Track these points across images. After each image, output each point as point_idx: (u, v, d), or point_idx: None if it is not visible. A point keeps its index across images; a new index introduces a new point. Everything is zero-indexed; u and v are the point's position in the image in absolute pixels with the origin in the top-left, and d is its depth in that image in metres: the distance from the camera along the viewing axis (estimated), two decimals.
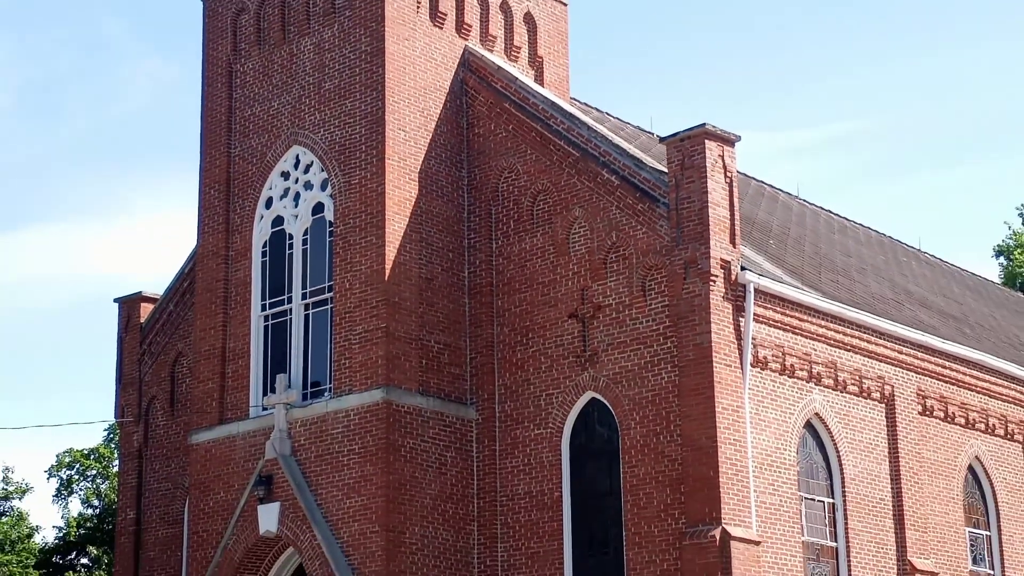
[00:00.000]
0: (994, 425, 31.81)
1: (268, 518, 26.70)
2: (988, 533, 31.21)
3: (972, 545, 30.63)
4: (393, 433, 25.95)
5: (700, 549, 23.42)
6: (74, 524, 61.45)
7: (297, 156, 28.96)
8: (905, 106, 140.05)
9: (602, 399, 26.00)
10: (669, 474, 24.56)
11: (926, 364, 29.75)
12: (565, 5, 31.68)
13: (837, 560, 26.72)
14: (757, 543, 23.93)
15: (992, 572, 31.06)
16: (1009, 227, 75.22)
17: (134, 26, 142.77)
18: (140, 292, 34.71)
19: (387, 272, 26.52)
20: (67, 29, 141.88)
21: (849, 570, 26.72)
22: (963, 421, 30.76)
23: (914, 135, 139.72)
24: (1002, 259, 70.19)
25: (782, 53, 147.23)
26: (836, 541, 26.73)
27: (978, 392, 31.37)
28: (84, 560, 57.90)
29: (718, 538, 23.22)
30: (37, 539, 59.61)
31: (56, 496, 64.19)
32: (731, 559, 23.22)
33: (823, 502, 26.81)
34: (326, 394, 27.41)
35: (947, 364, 30.42)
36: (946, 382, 30.36)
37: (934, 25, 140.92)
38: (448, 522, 26.72)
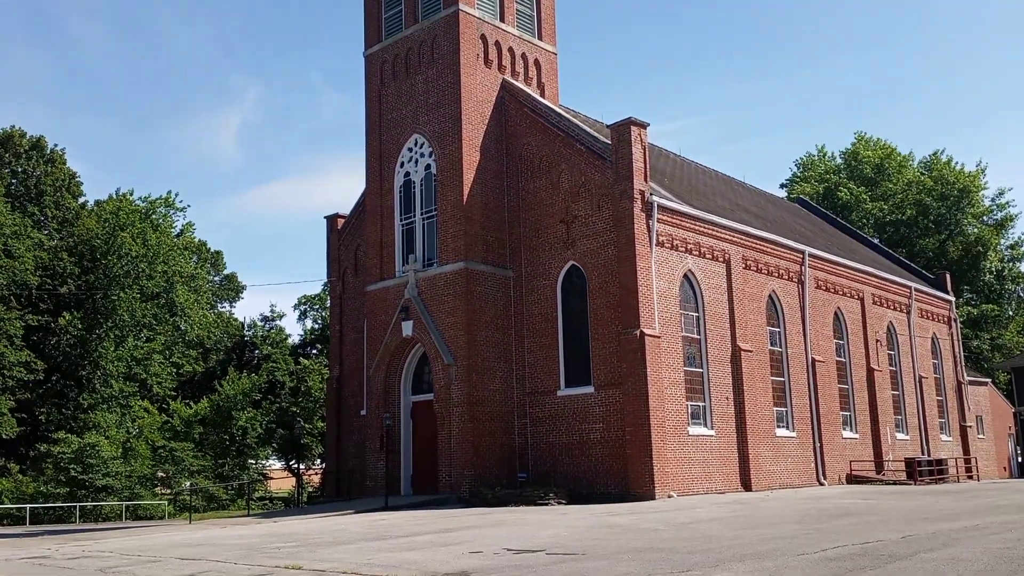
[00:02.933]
0: (781, 273, 31.81)
1: (407, 328, 27.93)
2: (778, 329, 31.32)
3: (770, 335, 30.88)
4: (469, 284, 27.02)
5: (629, 340, 24.95)
6: (308, 333, 63.97)
7: (416, 139, 29.31)
8: (733, 108, 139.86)
9: (578, 264, 26.99)
10: (613, 302, 25.75)
11: (746, 241, 30.01)
12: (555, 54, 31.22)
13: (701, 346, 27.53)
14: (658, 337, 25.29)
15: (780, 348, 31.01)
16: (791, 171, 77.15)
17: (325, 74, 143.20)
18: (336, 212, 35.15)
19: (464, 200, 27.39)
20: (282, 78, 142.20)
21: (706, 351, 27.51)
22: (766, 271, 30.92)
23: (740, 120, 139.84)
24: (784, 190, 71.61)
25: (676, 75, 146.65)
26: (700, 334, 27.53)
27: (772, 256, 31.37)
28: (313, 351, 60.12)
29: (638, 335, 24.78)
30: (289, 341, 62.19)
31: (298, 318, 66.25)
32: (645, 345, 24.72)
33: (693, 315, 27.54)
34: (435, 264, 28.12)
35: (757, 241, 30.59)
36: (756, 251, 30.47)
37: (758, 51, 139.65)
38: (498, 329, 27.62)
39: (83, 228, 50.45)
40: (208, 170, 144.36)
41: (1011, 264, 72.76)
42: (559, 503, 23.94)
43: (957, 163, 71.15)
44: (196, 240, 62.18)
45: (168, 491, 42.64)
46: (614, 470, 25.09)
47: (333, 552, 13.40)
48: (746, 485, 27.50)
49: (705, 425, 27.00)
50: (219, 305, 66.68)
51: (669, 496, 24.28)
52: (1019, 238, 73.49)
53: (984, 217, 71.59)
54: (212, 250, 65.43)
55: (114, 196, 54.69)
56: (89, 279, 49.25)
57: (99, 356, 47.82)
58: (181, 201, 59.55)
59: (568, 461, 26.21)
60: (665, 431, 24.88)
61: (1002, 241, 72.17)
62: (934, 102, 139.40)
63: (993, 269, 68.59)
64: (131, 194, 54.80)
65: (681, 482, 25.17)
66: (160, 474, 42.72)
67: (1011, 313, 77.36)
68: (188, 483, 40.80)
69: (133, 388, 50.04)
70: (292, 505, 43.09)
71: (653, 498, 23.75)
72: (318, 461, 52.39)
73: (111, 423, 45.71)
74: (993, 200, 72.35)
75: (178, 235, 58.56)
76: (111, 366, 48.35)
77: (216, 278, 66.57)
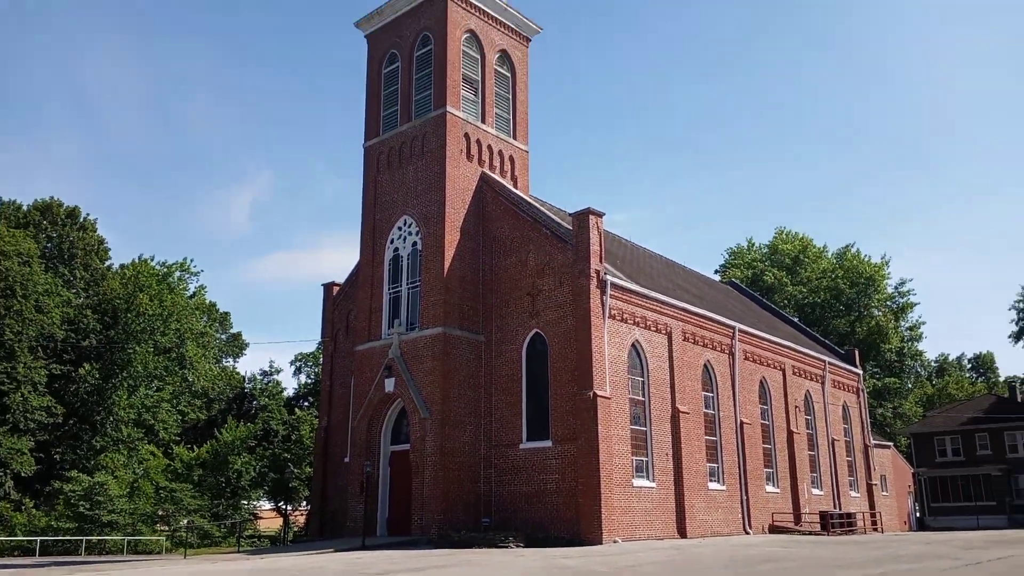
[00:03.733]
0: (715, 345, 31.62)
1: (389, 384, 27.44)
2: (712, 394, 31.01)
3: (705, 399, 30.59)
4: (446, 346, 26.61)
5: (584, 400, 24.61)
6: (302, 387, 62.75)
7: (405, 219, 29.14)
8: (676, 203, 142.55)
9: (541, 332, 26.73)
10: (570, 366, 25.44)
11: (685, 316, 29.83)
12: (527, 152, 31.33)
13: (645, 407, 27.21)
14: (609, 398, 25.00)
15: (713, 411, 30.80)
16: (723, 257, 78.30)
17: (327, 162, 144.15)
18: (332, 281, 34.57)
19: (445, 273, 27.18)
20: (284, 170, 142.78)
21: (650, 411, 27.18)
22: (701, 343, 30.72)
23: (682, 212, 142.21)
24: (717, 274, 72.55)
25: (630, 173, 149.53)
26: (645, 397, 27.23)
27: (708, 330, 31.24)
28: (306, 403, 59.15)
29: (591, 395, 24.47)
30: (285, 394, 61.00)
31: (294, 373, 65.38)
32: (597, 405, 24.40)
33: (639, 380, 27.25)
34: (417, 328, 27.68)
35: (695, 317, 30.43)
36: (694, 325, 30.31)
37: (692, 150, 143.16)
38: (470, 387, 27.15)
39: (107, 288, 49.69)
40: (222, 240, 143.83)
41: (910, 343, 73.82)
42: (517, 546, 23.30)
43: (865, 255, 72.75)
44: (207, 301, 61.43)
45: (167, 528, 41.12)
46: (567, 517, 24.53)
47: None
48: (682, 532, 27.01)
49: (647, 478, 26.59)
50: (224, 360, 65.55)
51: (615, 541, 23.74)
52: (917, 321, 74.78)
53: (888, 303, 72.82)
54: (221, 311, 64.61)
55: (136, 260, 54.05)
56: (110, 334, 48.30)
57: (113, 403, 46.70)
58: (196, 266, 59.18)
59: (527, 508, 25.62)
60: (613, 482, 24.46)
61: (903, 324, 73.36)
62: (847, 203, 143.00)
63: (894, 348, 69.50)
64: (151, 259, 54.25)
65: (626, 528, 24.66)
66: (160, 512, 41.28)
67: (910, 386, 78.12)
68: (185, 521, 39.41)
69: (141, 433, 48.74)
70: (279, 543, 41.73)
71: (601, 543, 23.20)
72: (304, 503, 51.01)
73: (119, 464, 44.37)
74: (896, 288, 73.81)
75: (191, 296, 57.84)
76: (123, 412, 47.17)
77: (223, 336, 65.56)
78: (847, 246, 74.68)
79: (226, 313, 65.48)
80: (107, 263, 54.85)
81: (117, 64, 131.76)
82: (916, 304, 74.76)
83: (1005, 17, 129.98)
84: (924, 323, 75.87)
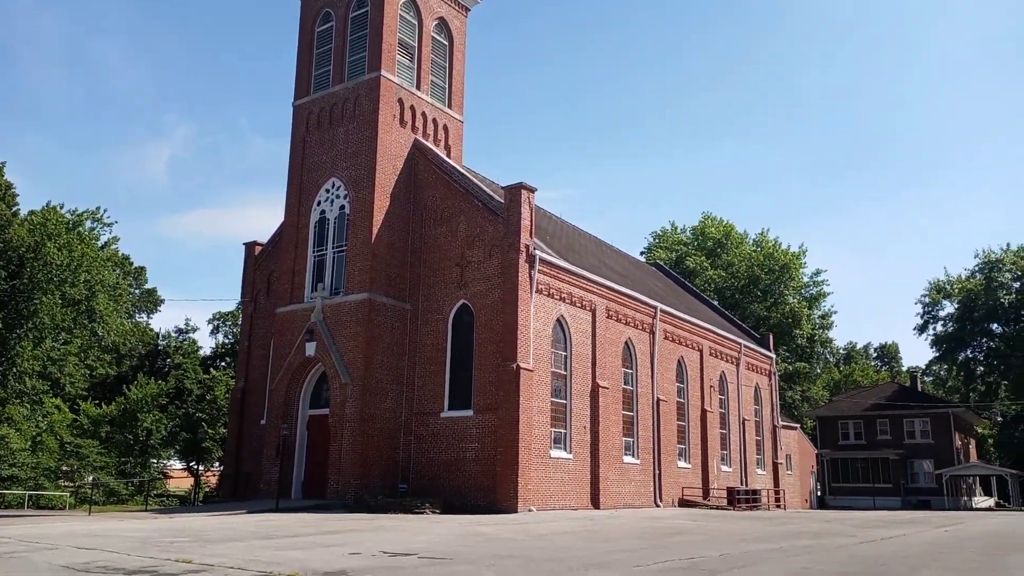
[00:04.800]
0: (637, 324, 32.20)
1: (310, 348, 27.05)
2: (631, 371, 31.67)
3: (624, 375, 31.15)
4: (371, 312, 26.40)
5: (507, 371, 24.86)
6: (219, 347, 61.18)
7: (334, 181, 28.65)
8: (607, 184, 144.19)
9: (468, 303, 26.80)
10: (495, 338, 25.62)
11: (610, 294, 30.26)
12: (462, 122, 31.13)
13: (566, 381, 27.55)
14: (531, 371, 25.30)
15: (631, 387, 31.46)
16: (648, 240, 79.71)
17: (253, 120, 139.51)
18: (255, 240, 33.75)
19: (372, 239, 26.89)
20: (206, 125, 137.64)
21: (571, 385, 27.56)
22: (624, 321, 31.22)
23: (612, 193, 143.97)
24: (643, 256, 73.82)
25: (564, 152, 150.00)
26: (567, 371, 27.59)
27: (631, 308, 31.72)
28: (222, 364, 57.70)
29: (515, 367, 24.73)
30: (201, 353, 59.12)
31: (211, 332, 64.13)
32: (520, 377, 24.68)
33: (562, 354, 27.57)
34: (341, 293, 27.41)
35: (619, 296, 30.85)
36: (618, 304, 30.75)
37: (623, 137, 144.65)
38: (393, 355, 27.03)
39: (13, 235, 47.25)
40: (138, 194, 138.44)
41: (821, 331, 76.86)
42: (434, 512, 23.51)
43: (784, 244, 75.12)
44: (120, 254, 59.16)
45: (71, 484, 39.83)
46: (484, 485, 24.84)
47: (223, 548, 12.73)
48: (595, 503, 27.65)
49: (565, 449, 27.07)
50: (137, 316, 63.41)
51: (529, 510, 24.18)
52: (828, 310, 77.86)
53: (802, 291, 75.53)
54: (135, 265, 62.34)
55: (45, 208, 51.54)
56: (14, 283, 46.06)
57: (16, 355, 44.66)
58: (109, 217, 56.73)
59: (445, 476, 25.83)
60: (531, 453, 24.83)
61: (816, 312, 76.27)
62: (769, 193, 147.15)
63: (806, 335, 72.25)
64: (61, 207, 51.82)
65: (541, 498, 25.13)
66: (65, 468, 39.93)
67: (819, 371, 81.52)
68: (90, 478, 38.25)
69: (46, 386, 46.87)
70: (189, 503, 40.93)
71: (516, 511, 23.60)
72: (217, 464, 50.11)
73: (22, 417, 42.57)
74: (811, 278, 76.55)
75: (102, 247, 55.58)
76: (27, 364, 45.20)
77: (137, 291, 63.34)
78: (763, 232, 77.05)
79: (141, 267, 63.25)
80: (14, 209, 52.12)
81: (27, 4, 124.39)
82: (829, 294, 77.76)
83: (925, 16, 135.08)
84: (835, 312, 79.53)
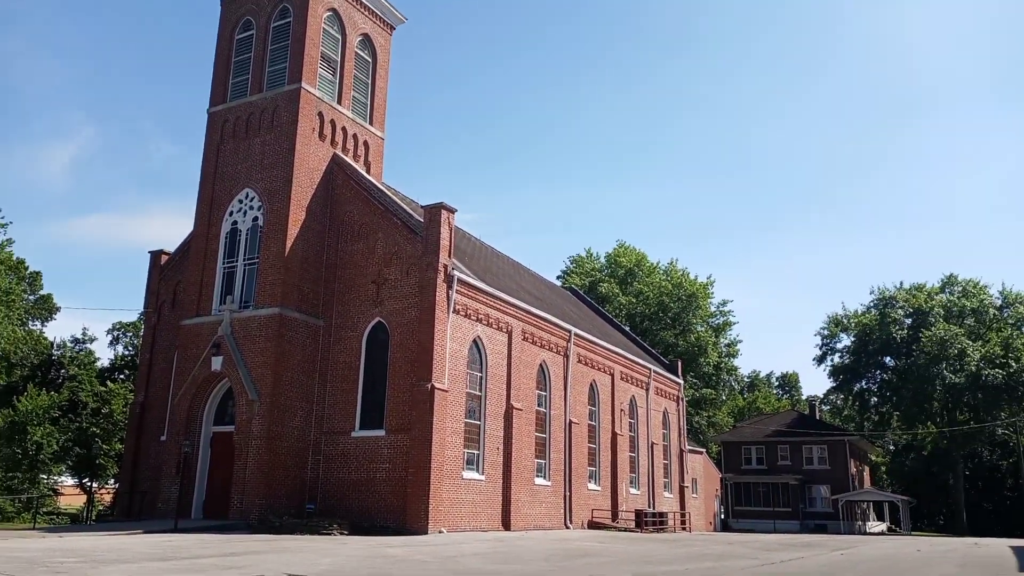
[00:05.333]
0: (551, 346, 32.35)
1: (217, 363, 26.23)
2: (545, 393, 31.63)
3: (538, 397, 31.16)
4: (281, 328, 25.79)
5: (421, 391, 24.60)
6: (118, 359, 58.54)
7: (248, 192, 27.97)
8: (526, 208, 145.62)
9: (384, 321, 26.49)
10: (411, 357, 25.37)
11: (526, 317, 30.31)
12: (382, 139, 30.89)
13: (481, 402, 27.45)
14: (446, 391, 25.15)
15: (545, 409, 31.41)
16: (564, 264, 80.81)
17: (159, 125, 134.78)
18: (161, 249, 32.44)
19: (286, 252, 26.35)
20: (109, 127, 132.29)
21: (486, 406, 27.48)
22: (539, 344, 31.34)
23: (530, 218, 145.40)
24: (559, 280, 74.66)
25: (484, 175, 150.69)
26: (482, 392, 27.49)
27: (546, 331, 31.86)
28: (121, 376, 55.00)
29: (429, 388, 24.51)
30: (98, 364, 56.04)
31: (110, 343, 60.97)
32: (434, 398, 24.49)
33: (477, 375, 27.49)
34: (251, 307, 26.74)
35: (534, 319, 30.93)
36: (533, 326, 30.84)
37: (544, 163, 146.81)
38: (304, 372, 26.46)
39: None
40: (34, 195, 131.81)
41: (727, 359, 79.29)
42: (342, 534, 22.98)
43: (693, 274, 77.31)
44: (14, 257, 56.03)
45: None
46: (395, 506, 24.46)
47: (114, 570, 12.10)
48: (507, 525, 27.56)
49: (477, 471, 26.94)
50: (31, 323, 60.04)
51: (440, 532, 23.95)
52: (734, 339, 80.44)
53: (709, 320, 77.79)
54: (31, 270, 59.12)
55: None
56: None
57: None
58: (3, 217, 53.82)
59: (355, 496, 25.31)
60: (443, 474, 24.63)
61: (722, 340, 78.65)
62: (680, 223, 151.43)
63: (712, 362, 74.39)
64: None
65: (452, 519, 24.89)
66: None
67: (724, 398, 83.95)
68: None
69: None
70: (81, 522, 38.79)
71: (426, 533, 23.32)
72: (112, 481, 47.73)
73: None
74: (718, 307, 78.96)
75: None
76: None
77: (31, 297, 60.04)
78: (672, 261, 79.22)
79: (36, 272, 60.00)
80: None
81: None
82: (735, 324, 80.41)
83: (833, 37, 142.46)
84: (741, 341, 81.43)
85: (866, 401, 77.60)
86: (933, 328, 68.34)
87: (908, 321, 73.38)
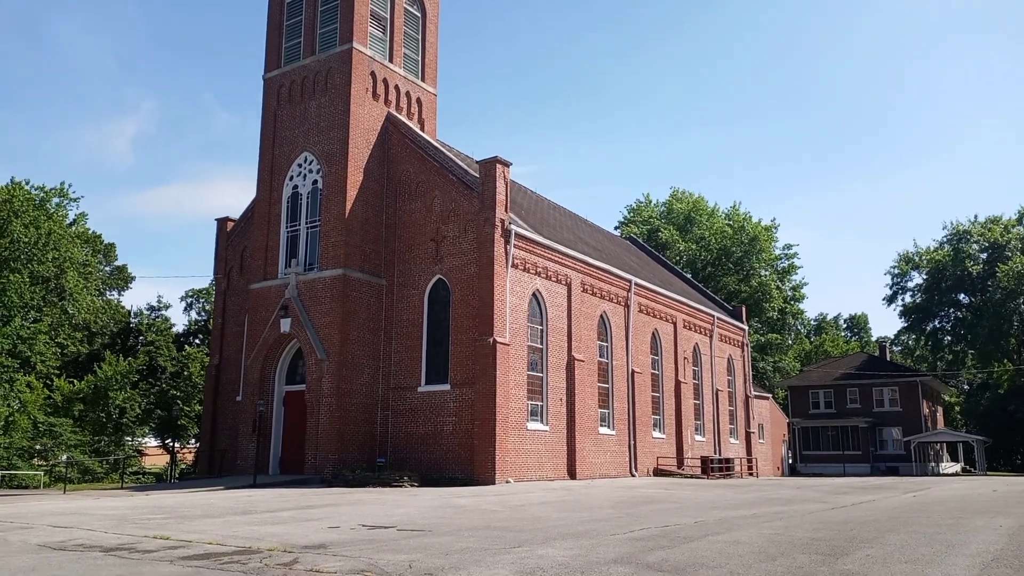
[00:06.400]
0: (612, 297, 32.35)
1: (285, 324, 27.01)
2: (607, 344, 31.84)
3: (599, 348, 31.36)
4: (345, 288, 26.30)
5: (483, 346, 25.00)
6: (192, 324, 60.68)
7: (306, 156, 28.40)
8: (583, 160, 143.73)
9: (444, 278, 26.80)
10: (472, 313, 25.69)
11: (585, 268, 30.35)
12: (435, 95, 30.95)
13: (543, 355, 27.67)
14: (508, 345, 25.49)
15: (607, 360, 31.67)
16: (622, 214, 79.74)
17: (217, 94, 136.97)
18: (227, 216, 33.26)
19: (346, 214, 26.73)
20: (170, 100, 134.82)
21: (547, 358, 27.67)
22: (599, 295, 31.37)
23: (587, 169, 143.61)
24: (617, 230, 73.89)
25: (538, 127, 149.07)
26: (543, 344, 27.70)
27: (605, 282, 31.85)
28: (196, 341, 57.07)
29: (491, 342, 24.88)
30: (174, 330, 58.32)
31: (184, 310, 63.57)
32: (496, 351, 24.84)
33: (538, 328, 27.67)
34: (315, 269, 27.29)
35: (593, 270, 30.96)
36: (593, 277, 30.87)
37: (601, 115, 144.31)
38: (369, 330, 27.01)
39: None
40: (104, 171, 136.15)
41: (792, 303, 77.79)
42: (412, 485, 23.64)
43: (756, 218, 75.65)
44: (90, 231, 58.21)
45: (45, 463, 39.45)
46: (462, 458, 25.00)
47: (200, 524, 12.73)
48: (572, 474, 27.91)
49: (541, 421, 27.27)
50: (108, 293, 62.54)
51: (507, 482, 24.40)
52: (799, 282, 78.79)
53: (774, 263, 76.26)
54: (105, 242, 61.36)
55: (9, 184, 50.46)
56: None
57: None
58: (75, 192, 55.79)
59: (423, 449, 25.94)
60: (508, 425, 25.01)
61: (787, 285, 77.13)
62: (742, 169, 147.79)
63: (777, 307, 73.10)
64: (27, 183, 50.76)
65: (518, 470, 25.33)
66: (38, 447, 39.50)
67: (790, 342, 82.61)
68: (65, 456, 37.90)
69: (17, 364, 46.22)
70: (165, 480, 40.73)
71: (493, 483, 23.81)
72: (193, 441, 49.84)
73: None
74: (782, 251, 77.27)
75: (71, 224, 54.66)
76: None
77: (107, 268, 62.42)
78: (735, 205, 77.53)
79: (111, 244, 62.24)
80: None
81: None
82: (799, 267, 78.65)
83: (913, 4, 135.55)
84: (806, 284, 79.93)
85: (939, 340, 75.52)
86: (1010, 262, 65.77)
87: (983, 256, 70.76)
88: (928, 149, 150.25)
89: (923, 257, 75.79)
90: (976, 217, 75.70)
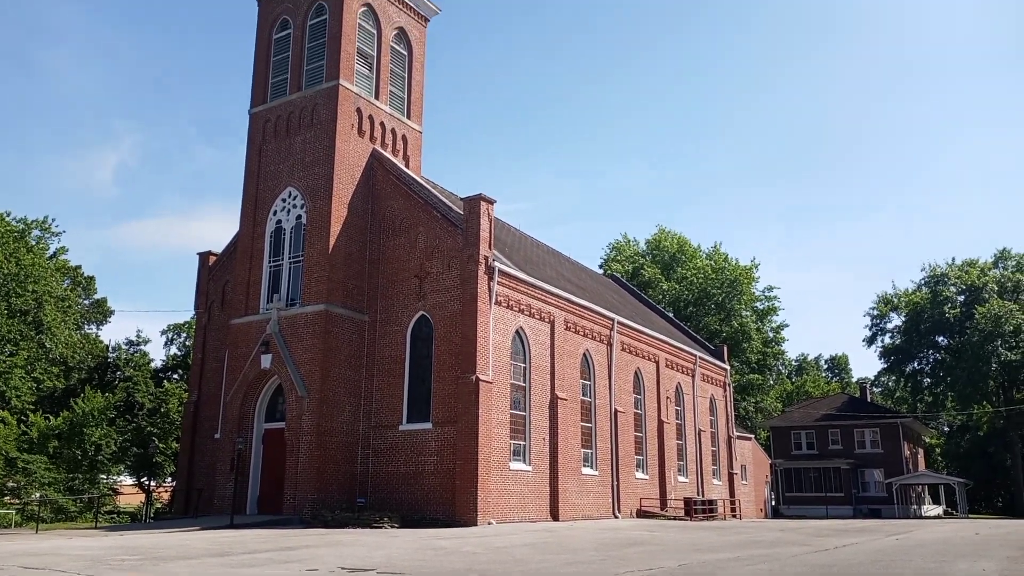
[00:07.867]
0: (595, 335, 32.21)
1: (266, 360, 26.71)
2: (590, 382, 31.61)
3: (583, 387, 31.10)
4: (328, 324, 26.12)
5: (466, 383, 24.72)
6: (171, 359, 60.02)
7: (290, 191, 28.35)
8: (564, 196, 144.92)
9: (427, 315, 26.65)
10: (455, 350, 25.49)
11: (568, 306, 30.25)
12: (420, 132, 31.03)
13: (526, 393, 27.49)
14: (491, 382, 25.20)
15: (589, 399, 31.44)
16: (605, 252, 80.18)
17: (201, 129, 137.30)
18: (209, 250, 33.14)
19: (330, 249, 26.65)
20: (153, 133, 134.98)
21: (530, 397, 27.49)
22: (582, 333, 31.22)
23: (570, 206, 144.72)
24: (600, 268, 74.13)
25: (520, 165, 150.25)
26: (526, 383, 27.54)
27: (588, 320, 31.72)
28: (175, 376, 56.31)
29: (474, 379, 24.62)
30: (152, 365, 57.46)
31: (164, 344, 62.46)
32: (479, 389, 24.57)
33: (521, 366, 27.54)
34: (297, 304, 27.09)
35: (577, 308, 30.81)
36: (576, 316, 30.74)
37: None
38: (351, 367, 26.78)
39: None
40: (85, 202, 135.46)
41: (773, 345, 78.13)
42: (392, 526, 23.24)
43: (736, 258, 76.24)
44: (70, 264, 57.65)
45: (17, 501, 38.45)
46: (443, 498, 24.65)
47: (176, 566, 12.39)
48: (555, 515, 27.59)
49: (524, 461, 26.99)
50: (86, 327, 61.73)
51: (489, 523, 24.04)
52: (780, 323, 79.19)
53: (755, 304, 76.70)
54: (85, 275, 60.74)
55: None
56: None
57: None
58: (57, 226, 55.37)
59: (404, 489, 25.56)
60: (490, 465, 24.71)
61: (767, 326, 77.52)
62: (723, 207, 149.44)
63: (757, 348, 73.36)
64: (8, 215, 50.32)
65: (501, 511, 24.99)
66: (11, 484, 38.55)
67: (772, 382, 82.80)
68: (38, 494, 36.98)
69: None
70: (140, 520, 39.77)
71: (475, 524, 23.44)
72: (169, 479, 48.82)
73: None
74: (763, 292, 77.76)
75: (51, 257, 54.13)
76: None
77: (86, 301, 61.71)
78: (716, 245, 78.13)
79: (90, 277, 61.61)
80: None
81: None
82: (780, 309, 79.20)
83: (890, 30, 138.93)
84: (787, 326, 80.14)
85: (919, 382, 75.89)
86: (987, 304, 66.46)
87: (961, 298, 71.50)
88: (904, 188, 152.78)
89: (902, 299, 76.53)
90: (953, 260, 76.73)
